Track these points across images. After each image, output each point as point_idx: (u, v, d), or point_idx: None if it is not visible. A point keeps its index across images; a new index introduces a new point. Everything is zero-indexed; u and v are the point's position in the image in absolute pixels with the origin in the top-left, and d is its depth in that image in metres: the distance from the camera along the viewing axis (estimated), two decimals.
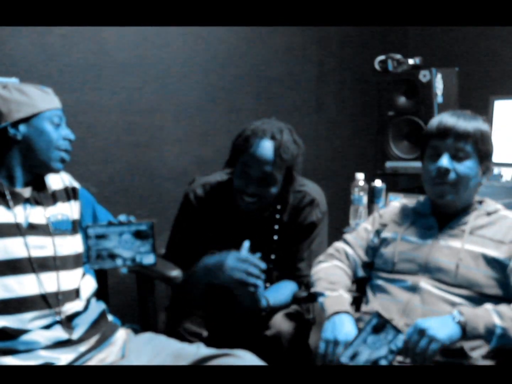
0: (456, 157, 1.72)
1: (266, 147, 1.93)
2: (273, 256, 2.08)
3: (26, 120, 1.62)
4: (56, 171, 1.70)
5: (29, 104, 1.62)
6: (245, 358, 1.57)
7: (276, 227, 2.07)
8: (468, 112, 1.80)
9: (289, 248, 2.08)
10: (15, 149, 1.63)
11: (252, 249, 2.00)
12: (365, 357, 1.58)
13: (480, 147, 1.73)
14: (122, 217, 1.64)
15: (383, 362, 1.57)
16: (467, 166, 1.72)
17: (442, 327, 1.54)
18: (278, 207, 2.06)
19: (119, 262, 1.61)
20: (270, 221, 2.07)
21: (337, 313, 1.71)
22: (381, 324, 1.60)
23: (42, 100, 1.65)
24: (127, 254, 1.61)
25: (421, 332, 1.54)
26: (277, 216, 2.06)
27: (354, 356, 1.59)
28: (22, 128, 1.62)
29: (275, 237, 2.07)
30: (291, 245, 2.08)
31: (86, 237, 1.60)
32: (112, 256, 1.60)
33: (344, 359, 1.60)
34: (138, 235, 1.61)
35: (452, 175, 1.72)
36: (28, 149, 1.63)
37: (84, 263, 1.79)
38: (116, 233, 1.60)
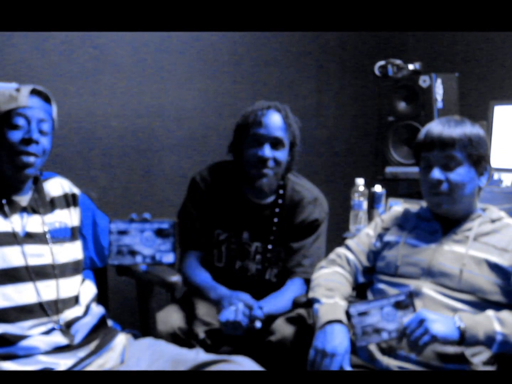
0: (448, 166, 1.72)
1: (275, 116, 2.05)
2: (270, 246, 2.11)
3: None
4: (17, 179, 1.62)
5: None
6: (244, 364, 1.57)
7: (276, 220, 2.10)
8: (456, 117, 1.80)
9: (291, 243, 2.10)
10: None
11: (251, 237, 2.09)
12: (372, 320, 1.60)
13: (470, 151, 1.72)
14: (147, 215, 1.62)
15: (384, 336, 1.60)
16: (459, 174, 1.72)
17: (441, 324, 1.56)
18: (280, 201, 2.10)
19: (138, 259, 1.59)
20: (271, 212, 2.11)
21: (330, 322, 1.69)
22: (405, 304, 1.61)
23: (4, 101, 1.57)
24: (147, 251, 1.59)
25: (420, 322, 1.57)
26: (277, 210, 2.11)
27: (363, 313, 1.61)
28: None
29: (274, 228, 2.10)
30: (294, 241, 2.10)
31: (108, 232, 1.59)
32: (132, 253, 1.59)
33: (353, 310, 1.61)
34: (160, 233, 1.59)
35: (445, 186, 1.72)
36: None
37: (84, 268, 1.78)
38: (137, 229, 1.59)
